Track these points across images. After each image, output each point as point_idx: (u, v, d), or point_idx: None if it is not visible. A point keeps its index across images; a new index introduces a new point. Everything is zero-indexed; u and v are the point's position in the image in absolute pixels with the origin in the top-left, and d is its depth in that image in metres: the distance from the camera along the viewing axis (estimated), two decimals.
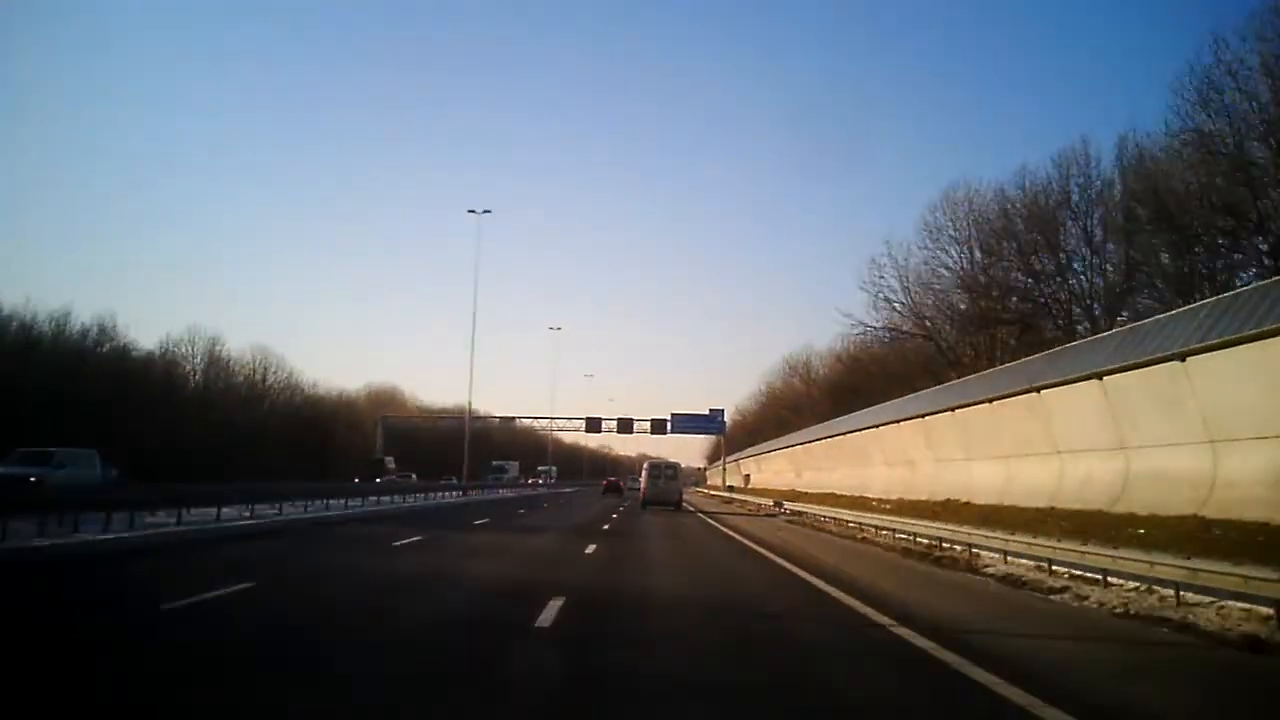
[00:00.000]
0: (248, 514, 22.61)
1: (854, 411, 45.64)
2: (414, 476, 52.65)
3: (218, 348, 67.81)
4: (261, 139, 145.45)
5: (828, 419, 52.50)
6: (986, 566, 16.73)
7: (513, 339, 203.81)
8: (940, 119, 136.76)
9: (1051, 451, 22.33)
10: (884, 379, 45.38)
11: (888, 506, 31.03)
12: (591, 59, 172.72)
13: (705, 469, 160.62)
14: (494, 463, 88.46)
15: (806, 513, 35.48)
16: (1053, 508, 21.07)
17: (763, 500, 49.92)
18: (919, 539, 21.76)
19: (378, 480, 43.87)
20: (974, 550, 18.33)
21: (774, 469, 67.49)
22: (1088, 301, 31.79)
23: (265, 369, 73.32)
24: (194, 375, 66.61)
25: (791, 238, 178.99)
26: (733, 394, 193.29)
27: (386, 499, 34.95)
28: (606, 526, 25.55)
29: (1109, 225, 30.57)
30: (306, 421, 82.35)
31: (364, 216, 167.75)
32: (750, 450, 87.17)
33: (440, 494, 44.76)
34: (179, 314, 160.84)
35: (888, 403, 36.48)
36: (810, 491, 47.92)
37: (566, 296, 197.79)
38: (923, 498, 29.98)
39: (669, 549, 18.94)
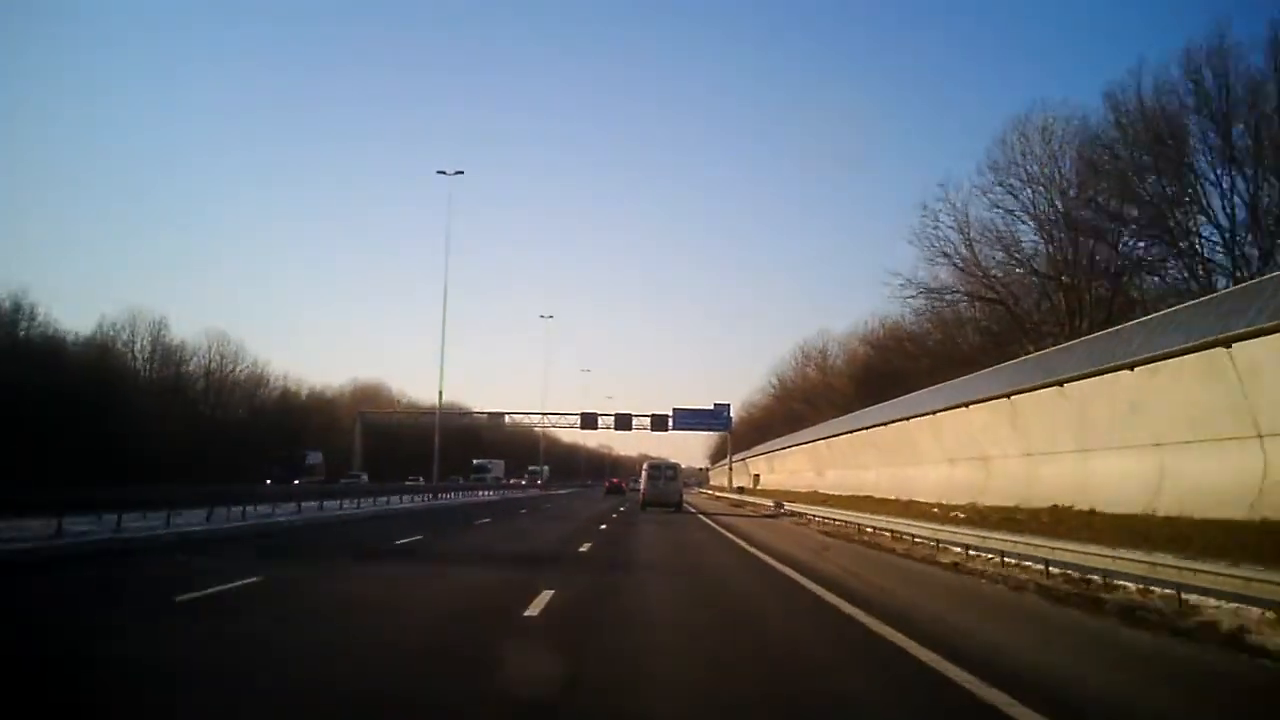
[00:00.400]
0: (73, 530, 15.45)
1: (891, 399, 38.33)
2: (364, 477, 44.81)
3: (164, 333, 60.36)
4: (260, 138, 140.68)
5: (854, 410, 45.16)
6: (1248, 633, 9.37)
7: (508, 338, 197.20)
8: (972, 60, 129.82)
9: (1248, 434, 14.93)
10: (928, 360, 38.05)
11: (959, 515, 23.63)
12: (590, 44, 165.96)
13: (708, 469, 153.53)
14: (475, 462, 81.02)
15: (844, 521, 28.08)
16: (1264, 519, 13.74)
17: (782, 504, 42.49)
18: (1050, 568, 14.34)
19: (295, 482, 36.08)
20: (1181, 596, 11.02)
21: (789, 468, 60.08)
22: (1229, 234, 24.14)
23: (222, 357, 65.78)
24: (138, 363, 59.17)
25: (797, 225, 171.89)
26: (738, 391, 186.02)
27: (313, 505, 27.54)
28: (587, 547, 18.10)
29: (1264, 135, 23.03)
30: (274, 418, 75.40)
31: (358, 216, 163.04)
32: (759, 448, 79.67)
33: (400, 498, 37.32)
34: (165, 314, 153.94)
35: (949, 383, 29.08)
36: (838, 494, 40.53)
37: (565, 295, 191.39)
38: (1007, 503, 22.60)
39: (675, 597, 11.44)
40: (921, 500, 28.81)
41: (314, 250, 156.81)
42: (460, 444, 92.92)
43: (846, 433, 40.98)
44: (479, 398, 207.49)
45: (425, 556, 14.74)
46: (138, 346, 58.75)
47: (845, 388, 55.52)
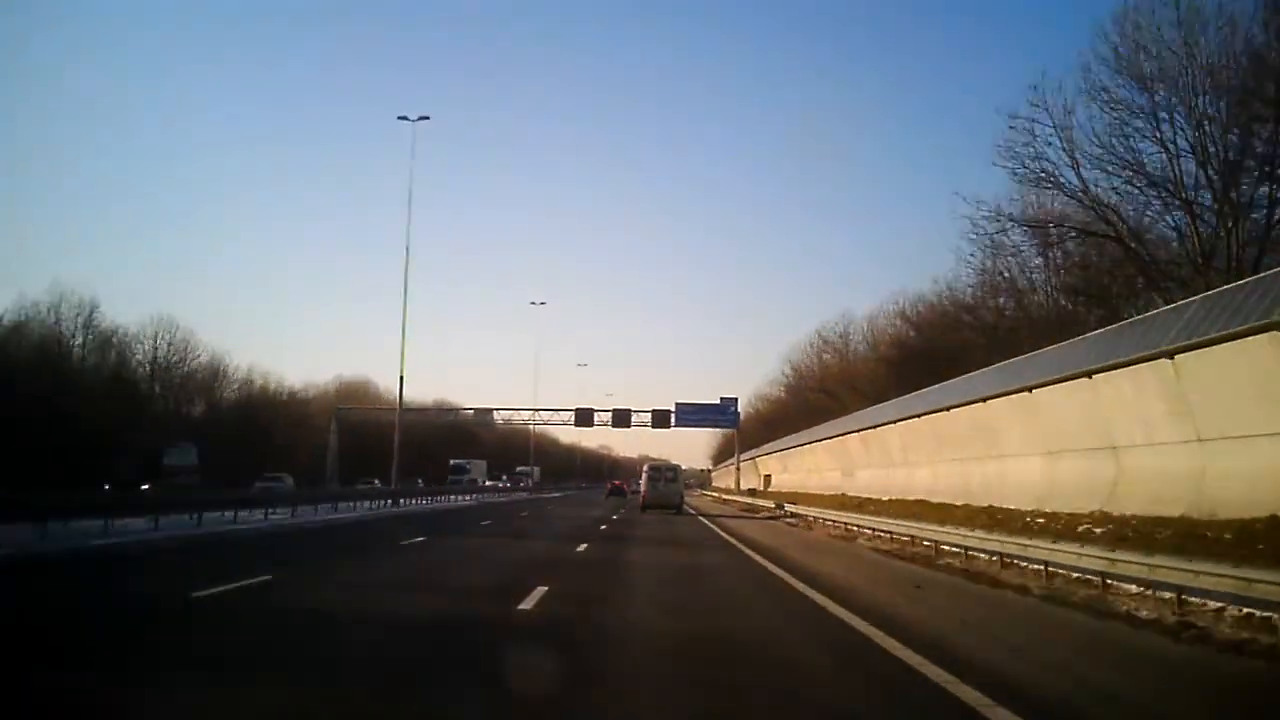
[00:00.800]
0: None
1: (942, 382, 31.14)
2: (288, 480, 37.29)
3: (96, 316, 53.13)
4: (257, 138, 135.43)
5: (891, 398, 38.04)
6: None
7: (504, 337, 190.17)
8: None
9: None
10: (992, 333, 30.82)
11: (1090, 530, 16.43)
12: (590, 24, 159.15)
13: (711, 470, 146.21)
14: (452, 462, 73.56)
15: (909, 537, 20.90)
16: None
17: (806, 510, 35.32)
18: None
19: (143, 488, 28.27)
20: None
21: (807, 466, 52.79)
22: None
23: (169, 346, 58.58)
24: (61, 347, 51.87)
25: (801, 210, 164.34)
26: (744, 388, 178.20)
27: (188, 519, 20.24)
28: (538, 597, 10.35)
29: None
30: (239, 415, 68.45)
31: (354, 214, 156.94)
32: (770, 446, 72.39)
33: (337, 506, 30.01)
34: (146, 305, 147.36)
35: (1054, 348, 21.82)
36: (878, 498, 33.30)
37: (561, 290, 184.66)
38: (1166, 512, 15.36)
39: None
40: (1010, 506, 21.58)
41: (311, 250, 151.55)
42: (449, 443, 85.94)
43: (889, 423, 33.71)
44: (472, 397, 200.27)
45: (182, 653, 7.26)
46: (64, 328, 51.52)
47: (876, 373, 48.30)
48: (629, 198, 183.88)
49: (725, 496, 75.61)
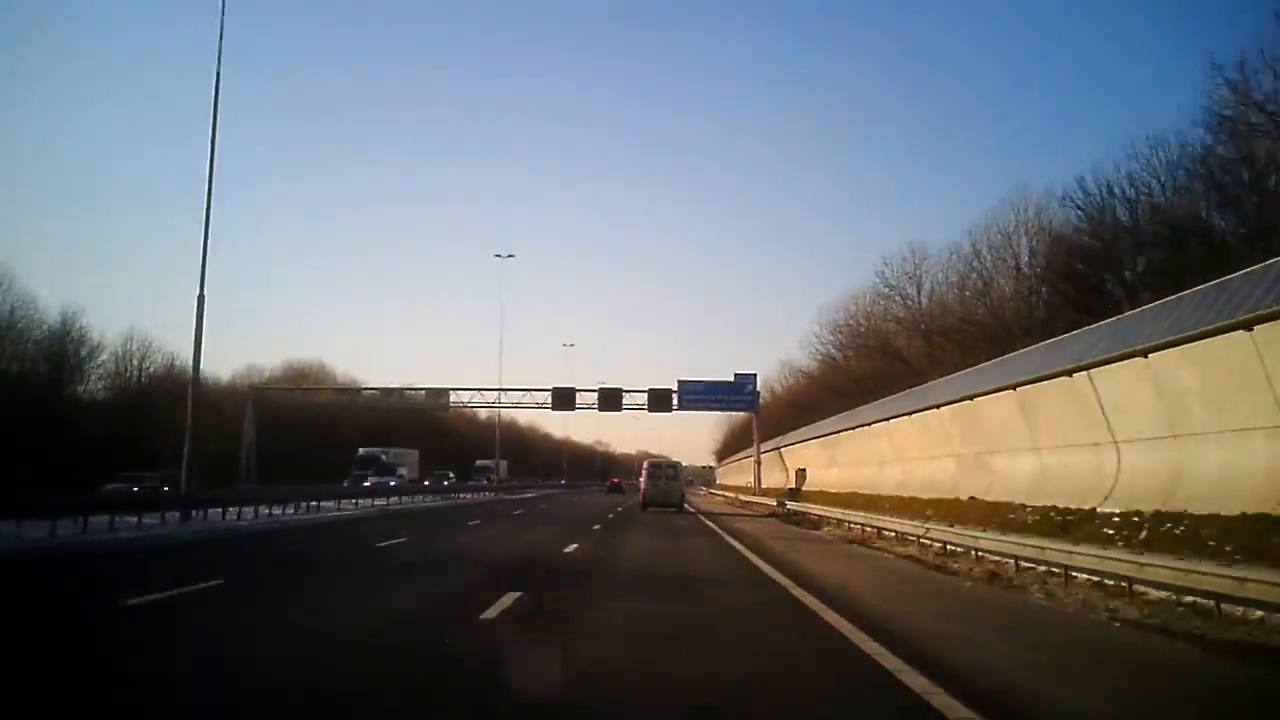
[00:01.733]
0: None
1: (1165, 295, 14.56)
2: None
3: None
4: (264, 138, 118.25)
5: (1020, 345, 21.62)
6: None
7: (495, 334, 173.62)
8: None
9: None
10: None
11: None
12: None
13: (716, 467, 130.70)
14: (361, 451, 56.83)
15: None
16: None
17: (934, 531, 18.78)
18: None
19: None
20: None
21: (878, 455, 35.69)
22: None
23: None
24: None
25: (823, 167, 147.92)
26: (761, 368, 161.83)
27: None
28: None
29: None
30: (122, 399, 52.82)
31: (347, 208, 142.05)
32: (802, 432, 55.35)
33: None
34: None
35: None
36: (1105, 511, 16.68)
37: (547, 273, 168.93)
38: None
39: None
40: None
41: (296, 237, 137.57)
42: (409, 436, 69.96)
43: (1113, 359, 16.85)
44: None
45: None
46: None
47: (977, 310, 31.57)
48: (620, 179, 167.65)
49: (743, 498, 58.81)
